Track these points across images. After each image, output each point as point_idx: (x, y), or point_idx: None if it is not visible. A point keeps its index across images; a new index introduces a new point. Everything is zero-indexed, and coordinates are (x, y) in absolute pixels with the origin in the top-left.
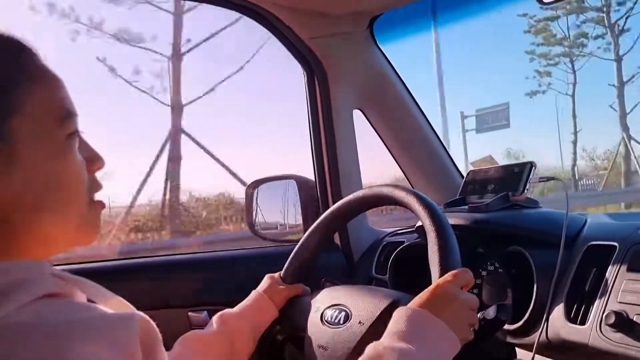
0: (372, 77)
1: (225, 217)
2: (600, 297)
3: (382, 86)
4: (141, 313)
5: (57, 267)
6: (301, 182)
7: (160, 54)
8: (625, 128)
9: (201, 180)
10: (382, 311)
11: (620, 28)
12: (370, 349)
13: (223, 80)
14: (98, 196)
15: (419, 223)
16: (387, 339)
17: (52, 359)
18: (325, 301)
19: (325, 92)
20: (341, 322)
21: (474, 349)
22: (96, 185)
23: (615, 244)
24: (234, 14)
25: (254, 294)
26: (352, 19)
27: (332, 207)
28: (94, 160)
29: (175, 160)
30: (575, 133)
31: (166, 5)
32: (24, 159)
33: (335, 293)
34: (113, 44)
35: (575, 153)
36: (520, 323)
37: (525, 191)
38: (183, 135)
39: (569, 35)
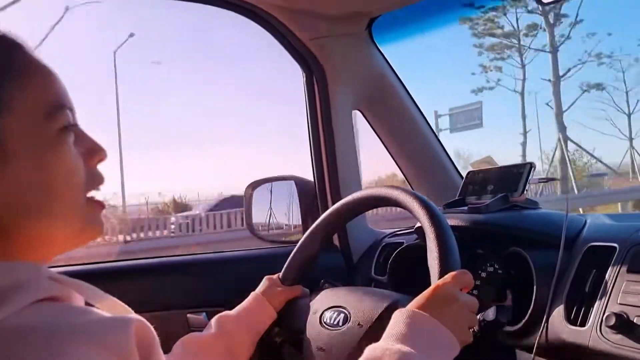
0: (371, 78)
1: None
2: (601, 299)
3: (381, 87)
4: (138, 316)
5: (55, 270)
6: (300, 183)
7: None
8: (562, 127)
9: None
10: (381, 313)
11: (555, 14)
12: (368, 350)
13: None
14: (98, 194)
15: (419, 224)
16: (386, 340)
17: None
18: (324, 303)
19: (324, 93)
20: (340, 324)
21: (474, 351)
22: (97, 178)
23: (616, 245)
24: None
25: (252, 296)
26: (351, 20)
27: (331, 208)
28: (93, 152)
29: None
30: (525, 134)
31: None
32: (16, 156)
33: (334, 295)
34: None
35: (524, 155)
36: (520, 325)
37: (525, 192)
38: None
39: (518, 27)
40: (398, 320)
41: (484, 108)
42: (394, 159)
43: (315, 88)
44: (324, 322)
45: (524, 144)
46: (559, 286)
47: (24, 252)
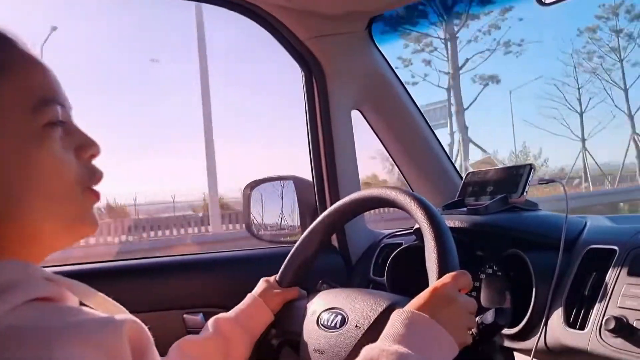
0: (371, 78)
1: None
2: (600, 302)
3: (380, 86)
4: (132, 316)
5: (50, 269)
6: (299, 182)
7: None
8: (462, 126)
9: None
10: (379, 315)
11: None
12: (365, 351)
13: None
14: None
15: (417, 225)
16: (383, 341)
17: None
18: (321, 304)
19: (323, 92)
20: (337, 325)
21: (472, 354)
22: (93, 174)
23: (616, 247)
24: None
25: (249, 297)
26: (351, 19)
27: (329, 209)
28: (86, 147)
29: None
30: (452, 134)
31: None
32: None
33: (332, 296)
34: None
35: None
36: (519, 327)
37: (525, 193)
38: None
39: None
40: (396, 320)
41: None
42: (392, 159)
43: (315, 87)
44: (321, 324)
45: (451, 145)
46: (559, 289)
47: (15, 250)
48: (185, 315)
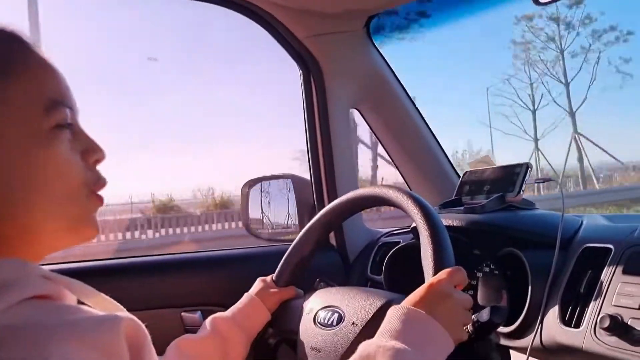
0: (369, 76)
1: None
2: (595, 300)
3: (378, 85)
4: (129, 314)
5: (48, 267)
6: (297, 181)
7: None
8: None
9: None
10: (375, 312)
11: None
12: (362, 347)
13: None
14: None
15: (414, 224)
16: (380, 337)
17: None
18: (318, 303)
19: (321, 91)
20: (334, 323)
21: (467, 351)
22: (97, 179)
23: (611, 246)
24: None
25: (246, 297)
26: (349, 18)
27: (326, 208)
28: (91, 152)
29: None
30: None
31: None
32: (6, 148)
33: (329, 294)
34: None
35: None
36: (515, 325)
37: (521, 192)
38: None
39: None
40: (392, 317)
41: None
42: (391, 157)
43: (313, 86)
44: (318, 322)
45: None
46: (554, 287)
47: (14, 249)
48: (183, 314)
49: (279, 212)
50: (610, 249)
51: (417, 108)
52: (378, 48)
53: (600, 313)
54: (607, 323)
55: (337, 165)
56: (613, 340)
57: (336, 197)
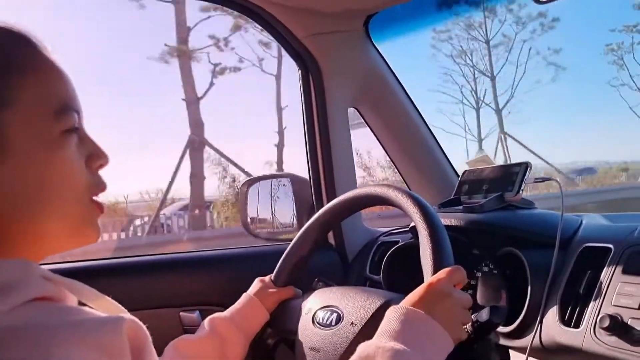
0: (368, 75)
1: None
2: (595, 300)
3: (377, 84)
4: (131, 315)
5: (48, 267)
6: (296, 180)
7: None
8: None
9: None
10: (374, 312)
11: None
12: (361, 348)
13: None
14: (99, 197)
15: (413, 223)
16: (379, 338)
17: None
18: (316, 303)
19: (320, 90)
20: (333, 323)
21: (467, 351)
22: (99, 184)
23: (611, 246)
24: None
25: (244, 297)
26: (348, 17)
27: (325, 207)
28: (96, 157)
29: None
30: (282, 131)
31: None
32: (16, 152)
33: (327, 294)
34: None
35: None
36: (515, 325)
37: (521, 192)
38: None
39: None
40: (391, 317)
41: None
42: (389, 156)
43: (311, 85)
44: (317, 322)
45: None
46: (554, 287)
47: (17, 250)
48: (181, 313)
49: (277, 211)
50: (609, 249)
51: (416, 107)
52: (377, 47)
53: (600, 313)
54: (606, 323)
55: (335, 165)
56: (613, 340)
57: (335, 197)
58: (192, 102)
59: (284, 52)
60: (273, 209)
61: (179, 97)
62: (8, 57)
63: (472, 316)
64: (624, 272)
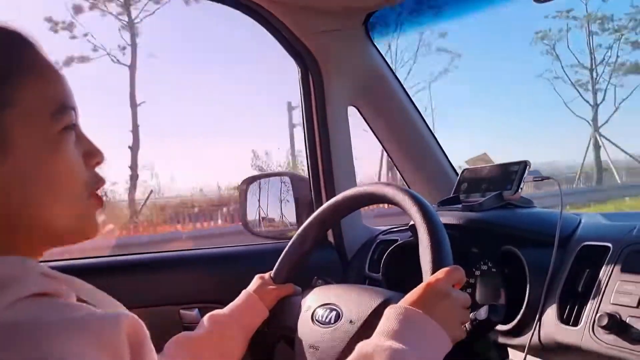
0: (367, 74)
1: None
2: (593, 299)
3: (377, 83)
4: (130, 312)
5: (48, 264)
6: (295, 178)
7: None
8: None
9: None
10: (373, 310)
11: None
12: (359, 347)
13: None
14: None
15: (412, 222)
16: (377, 337)
17: (37, 358)
18: (316, 300)
19: (319, 88)
20: (332, 321)
21: (466, 350)
22: (97, 180)
23: (609, 244)
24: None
25: (244, 294)
26: (347, 16)
27: (324, 206)
28: (92, 155)
29: None
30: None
31: None
32: (17, 151)
33: (326, 292)
34: None
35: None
36: (513, 323)
37: (520, 190)
38: None
39: None
40: (390, 316)
41: None
42: (389, 155)
43: (311, 84)
44: (316, 320)
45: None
46: (553, 285)
47: (15, 246)
48: (181, 311)
49: (277, 209)
50: (608, 247)
51: (415, 105)
52: (376, 45)
53: (599, 311)
54: (605, 321)
55: (335, 163)
56: (611, 338)
57: (334, 195)
58: None
59: (140, 40)
60: (272, 207)
61: None
62: (8, 57)
63: (471, 314)
64: (623, 270)
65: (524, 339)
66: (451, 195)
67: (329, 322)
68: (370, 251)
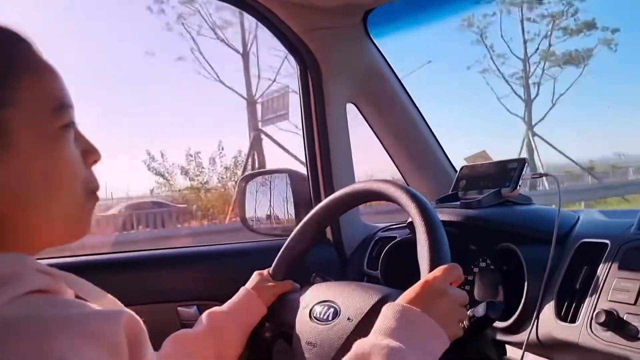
0: (366, 71)
1: None
2: (591, 296)
3: (375, 80)
4: (128, 309)
5: (45, 261)
6: (294, 176)
7: None
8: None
9: None
10: (371, 307)
11: None
12: (357, 345)
13: None
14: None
15: (411, 219)
16: (375, 335)
17: (36, 355)
18: (314, 297)
19: (318, 85)
20: (330, 318)
21: (463, 346)
22: (94, 180)
23: (607, 241)
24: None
25: (242, 291)
26: (346, 13)
27: (322, 203)
28: (90, 153)
29: None
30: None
31: None
32: (17, 149)
33: (325, 289)
34: None
35: None
36: (511, 320)
37: (518, 187)
38: None
39: None
40: (387, 314)
41: None
42: (388, 152)
43: (310, 81)
44: (314, 317)
45: None
46: (550, 282)
47: (13, 243)
48: (179, 308)
49: (275, 206)
50: (606, 245)
51: (414, 102)
52: (375, 42)
53: (596, 308)
54: (602, 318)
55: (333, 160)
56: (609, 335)
57: (333, 192)
58: None
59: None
60: (271, 204)
61: None
62: (8, 57)
63: (469, 311)
64: (620, 267)
65: (521, 336)
66: (449, 192)
67: (327, 319)
68: (368, 248)
